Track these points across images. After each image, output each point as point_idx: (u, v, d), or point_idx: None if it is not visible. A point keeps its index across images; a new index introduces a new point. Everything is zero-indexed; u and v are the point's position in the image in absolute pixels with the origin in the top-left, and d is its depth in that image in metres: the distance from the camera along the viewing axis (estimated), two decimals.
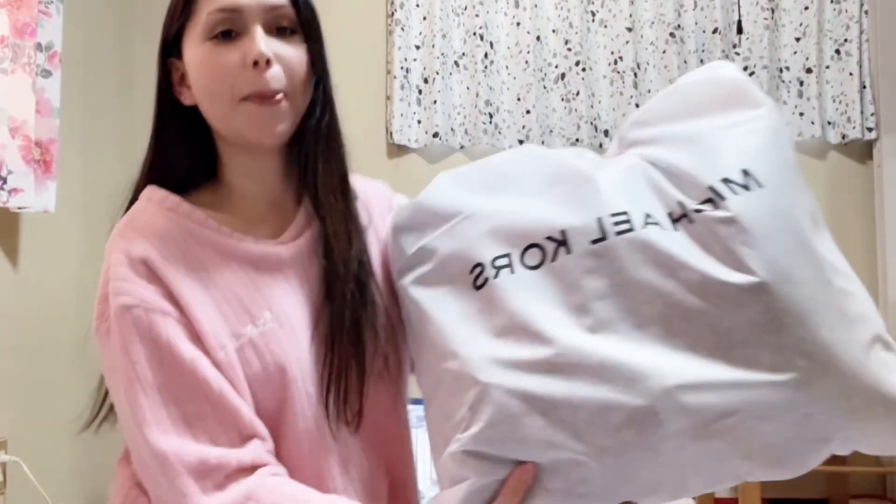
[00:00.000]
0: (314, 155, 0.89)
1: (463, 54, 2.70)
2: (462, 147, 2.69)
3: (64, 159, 2.15)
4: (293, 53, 0.84)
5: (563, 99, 2.67)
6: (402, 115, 2.67)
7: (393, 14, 2.70)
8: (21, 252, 2.00)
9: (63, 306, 2.15)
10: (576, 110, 2.66)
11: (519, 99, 2.68)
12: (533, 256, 0.78)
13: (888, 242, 2.52)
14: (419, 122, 2.68)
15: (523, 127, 2.66)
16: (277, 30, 0.83)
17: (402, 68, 2.68)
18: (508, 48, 2.70)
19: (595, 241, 0.75)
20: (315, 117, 0.89)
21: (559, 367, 0.72)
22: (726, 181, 0.76)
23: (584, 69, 2.67)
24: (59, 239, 2.14)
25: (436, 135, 2.67)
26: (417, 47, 2.70)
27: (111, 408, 0.85)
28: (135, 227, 0.81)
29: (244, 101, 0.81)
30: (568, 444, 0.70)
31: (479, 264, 0.80)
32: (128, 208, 0.86)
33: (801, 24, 2.61)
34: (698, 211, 0.75)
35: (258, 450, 0.77)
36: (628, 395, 0.70)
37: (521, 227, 0.80)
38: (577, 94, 2.66)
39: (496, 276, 0.78)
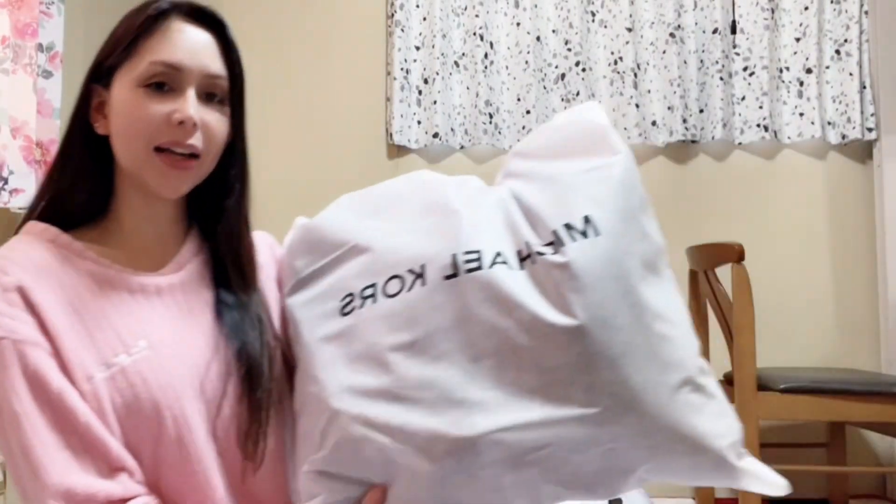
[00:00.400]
0: (230, 236, 0.93)
1: (463, 54, 2.70)
2: (462, 147, 2.70)
3: None
4: (217, 123, 0.87)
5: (563, 99, 2.67)
6: (402, 115, 2.68)
7: (393, 15, 2.70)
8: None
9: None
10: None
11: (519, 99, 2.68)
12: (393, 286, 0.85)
13: (888, 242, 2.52)
14: (419, 122, 2.69)
15: (523, 127, 2.67)
16: (207, 95, 0.87)
17: (402, 69, 2.68)
18: (508, 48, 2.70)
19: (447, 277, 0.82)
20: (234, 197, 0.93)
21: (398, 396, 0.79)
22: (568, 227, 0.83)
23: (584, 69, 2.67)
24: None
25: (436, 135, 2.67)
26: (417, 48, 2.71)
27: None
28: (10, 258, 0.82)
29: (158, 151, 0.84)
30: (403, 468, 0.78)
31: (350, 294, 0.88)
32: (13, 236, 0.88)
33: (801, 24, 2.61)
34: (540, 253, 0.82)
35: (127, 482, 0.77)
36: (454, 427, 0.76)
37: (390, 258, 0.87)
38: (577, 94, 2.66)
39: (362, 305, 0.86)
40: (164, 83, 0.84)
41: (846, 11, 2.59)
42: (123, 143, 0.86)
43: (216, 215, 0.93)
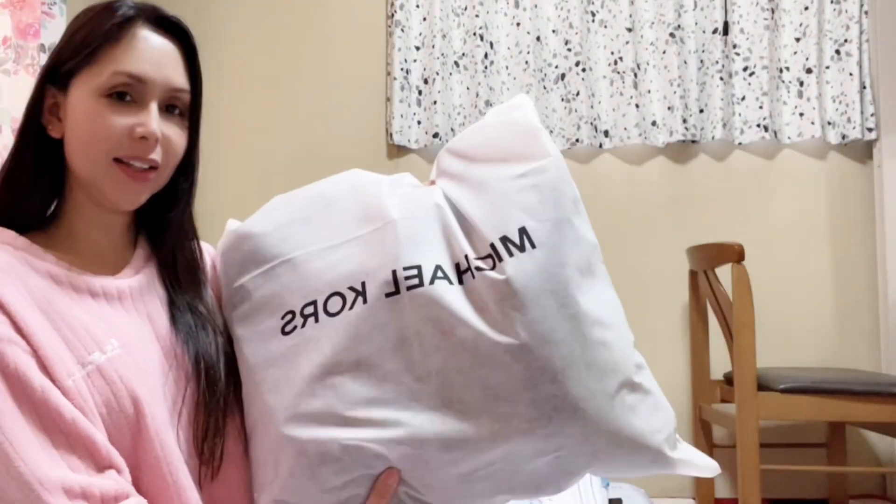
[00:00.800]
0: (178, 245, 0.94)
1: (463, 54, 2.70)
2: None
3: None
4: (177, 136, 0.87)
5: (563, 99, 2.68)
6: (402, 115, 2.68)
7: (393, 15, 2.70)
8: None
9: None
10: (576, 110, 2.66)
11: None
12: (334, 304, 0.84)
13: (888, 242, 2.52)
14: (419, 122, 2.69)
15: None
16: (167, 107, 0.87)
17: (402, 69, 2.69)
18: (508, 48, 2.70)
19: (388, 295, 0.82)
20: (181, 206, 0.93)
21: (346, 418, 0.80)
22: (504, 240, 0.83)
23: (584, 69, 2.67)
24: None
25: (436, 135, 2.67)
26: (417, 48, 2.71)
27: None
28: None
29: (117, 162, 0.83)
30: (356, 487, 0.80)
31: (290, 311, 0.86)
32: None
33: (801, 24, 2.62)
34: (479, 269, 0.82)
35: (119, 480, 0.76)
36: (396, 448, 0.79)
37: (329, 274, 0.86)
38: (577, 94, 2.66)
39: (303, 324, 0.85)
40: (126, 93, 0.83)
41: (846, 11, 2.59)
42: (81, 151, 0.84)
43: (164, 224, 0.94)
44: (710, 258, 2.21)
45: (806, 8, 2.61)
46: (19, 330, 0.77)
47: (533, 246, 0.82)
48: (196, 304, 0.92)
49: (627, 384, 0.84)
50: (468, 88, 2.70)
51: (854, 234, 2.62)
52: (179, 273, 0.93)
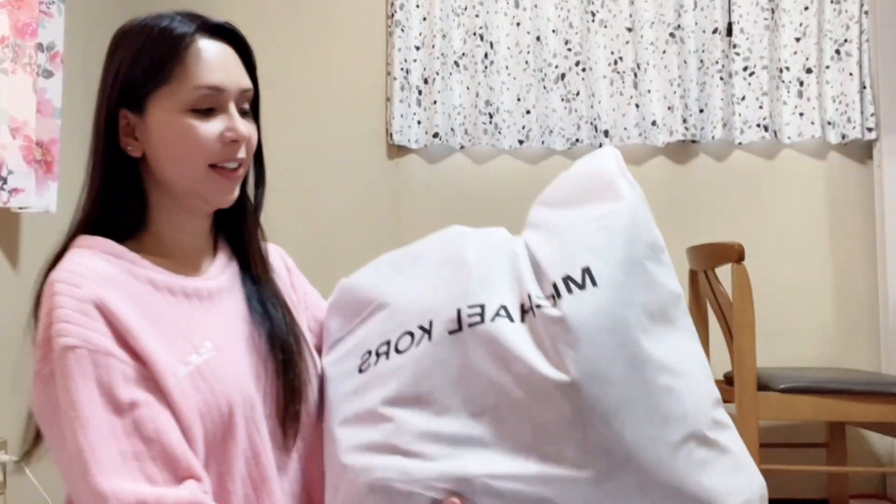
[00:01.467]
0: (254, 242, 1.01)
1: (463, 54, 2.70)
2: (462, 147, 2.70)
3: (65, 159, 2.15)
4: (252, 132, 0.94)
5: (563, 99, 2.67)
6: (402, 115, 2.68)
7: (393, 15, 2.70)
8: (21, 252, 2.00)
9: None
10: (576, 110, 2.66)
11: (519, 99, 2.68)
12: (404, 342, 0.89)
13: (888, 242, 2.52)
14: (419, 122, 2.69)
15: (523, 127, 2.67)
16: (240, 110, 0.93)
17: (402, 69, 2.68)
18: (508, 48, 2.70)
19: (451, 332, 0.85)
20: (255, 194, 1.00)
21: (401, 449, 0.82)
22: (567, 279, 0.84)
23: (584, 69, 2.67)
24: (59, 239, 2.14)
25: (436, 135, 2.67)
26: (417, 48, 2.70)
27: (36, 441, 0.89)
28: (76, 272, 0.83)
29: (212, 168, 0.90)
30: None
31: (367, 351, 0.92)
32: (57, 250, 0.90)
33: (801, 24, 2.61)
34: (539, 306, 0.84)
35: (195, 490, 0.78)
36: (447, 481, 0.79)
37: (404, 315, 0.91)
38: (577, 94, 2.66)
39: (376, 362, 0.90)
40: (210, 107, 0.89)
41: (846, 11, 2.59)
42: (174, 164, 0.89)
43: (239, 225, 1.00)
44: (710, 258, 2.21)
45: (806, 8, 2.61)
46: (124, 336, 0.81)
47: (595, 284, 0.82)
48: (269, 293, 0.98)
49: (698, 437, 0.80)
50: (468, 88, 2.69)
51: (854, 234, 2.62)
52: (256, 268, 0.99)
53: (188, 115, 0.88)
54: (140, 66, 0.88)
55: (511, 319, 0.84)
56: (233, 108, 0.90)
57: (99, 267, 0.84)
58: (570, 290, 0.83)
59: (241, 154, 0.91)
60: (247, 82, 0.93)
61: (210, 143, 0.88)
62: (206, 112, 0.89)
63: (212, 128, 0.88)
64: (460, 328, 0.85)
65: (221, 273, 0.96)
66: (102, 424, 0.77)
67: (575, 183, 0.97)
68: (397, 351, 0.89)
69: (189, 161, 0.88)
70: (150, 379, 0.81)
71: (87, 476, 0.75)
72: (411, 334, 0.89)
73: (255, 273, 0.99)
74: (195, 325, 0.88)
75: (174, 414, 0.81)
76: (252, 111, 0.95)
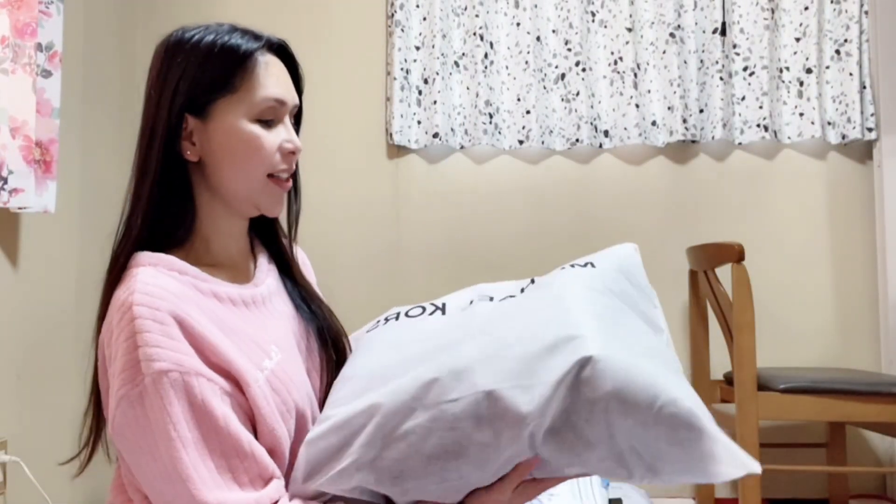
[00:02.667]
0: (284, 245, 1.07)
1: (463, 54, 2.70)
2: (462, 147, 2.69)
3: (64, 159, 2.15)
4: (300, 144, 0.99)
5: (563, 99, 2.67)
6: (401, 115, 2.67)
7: (393, 15, 2.70)
8: (21, 252, 2.00)
9: (63, 306, 2.15)
10: (576, 110, 2.66)
11: (519, 99, 2.68)
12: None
13: (888, 242, 2.52)
14: (419, 122, 2.68)
15: (523, 127, 2.67)
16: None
17: (401, 69, 2.68)
18: (508, 48, 2.70)
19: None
20: (294, 202, 1.05)
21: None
22: (571, 264, 0.98)
23: (584, 69, 2.67)
24: (59, 239, 2.14)
25: (436, 135, 2.66)
26: (417, 48, 2.70)
27: (93, 448, 0.93)
28: (152, 294, 0.84)
29: (269, 178, 0.95)
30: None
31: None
32: (113, 266, 0.91)
33: (801, 24, 2.61)
34: (532, 281, 0.97)
35: (279, 489, 0.85)
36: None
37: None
38: (577, 94, 2.66)
39: None
40: (271, 117, 0.94)
41: (846, 11, 2.59)
42: (234, 170, 0.93)
43: (271, 228, 1.06)
44: (710, 258, 2.21)
45: (806, 8, 2.61)
46: (206, 353, 0.84)
47: (594, 267, 0.97)
48: (308, 291, 1.05)
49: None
50: (468, 88, 2.69)
51: (854, 234, 2.62)
52: (290, 269, 1.05)
53: (253, 123, 0.93)
54: (208, 74, 0.91)
55: (490, 300, 0.96)
56: (288, 120, 0.96)
57: (171, 286, 0.85)
58: (572, 267, 0.95)
59: (294, 165, 0.98)
60: (297, 98, 0.99)
61: (271, 152, 0.93)
62: (267, 123, 0.94)
63: (273, 138, 0.94)
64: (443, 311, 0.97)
65: (267, 277, 1.01)
66: (200, 443, 0.81)
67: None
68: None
69: (250, 169, 0.93)
70: (236, 391, 0.85)
71: (192, 492, 0.79)
72: (422, 307, 1.01)
73: (293, 274, 1.05)
74: (260, 331, 0.92)
75: (260, 419, 0.85)
76: (298, 126, 1.02)
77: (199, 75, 0.91)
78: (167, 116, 0.91)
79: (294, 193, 1.03)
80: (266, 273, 1.01)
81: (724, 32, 2.62)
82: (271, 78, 0.94)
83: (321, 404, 0.96)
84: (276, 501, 0.84)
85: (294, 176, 1.02)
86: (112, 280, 0.89)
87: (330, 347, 1.00)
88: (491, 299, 0.96)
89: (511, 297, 0.95)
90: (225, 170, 0.93)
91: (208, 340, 0.84)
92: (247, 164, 0.92)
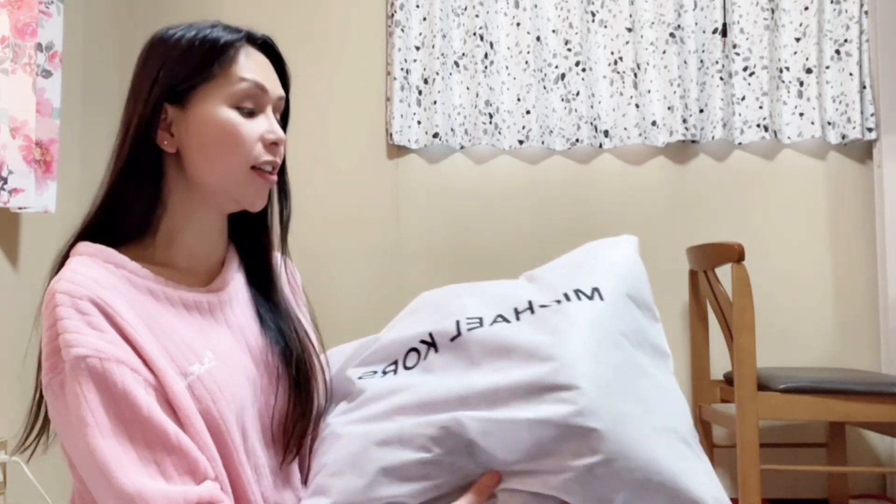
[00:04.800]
0: (264, 251, 1.01)
1: (463, 55, 2.70)
2: (462, 147, 2.69)
3: (64, 159, 2.15)
4: (285, 139, 0.95)
5: (563, 99, 2.67)
6: (401, 115, 2.67)
7: (393, 15, 2.70)
8: (21, 252, 2.00)
9: None
10: (576, 110, 2.66)
11: (519, 99, 2.68)
12: (412, 358, 0.95)
13: (888, 242, 2.52)
14: (419, 122, 2.68)
15: (523, 127, 2.67)
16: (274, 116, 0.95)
17: (401, 69, 2.68)
18: (508, 48, 2.70)
19: (452, 339, 0.92)
20: (282, 206, 1.00)
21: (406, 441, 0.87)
22: (577, 291, 0.94)
23: (584, 69, 2.67)
24: (59, 239, 2.13)
25: (436, 135, 2.66)
26: (417, 48, 2.70)
27: (41, 433, 0.90)
28: (76, 281, 0.82)
29: (252, 170, 0.91)
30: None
31: (373, 371, 0.97)
32: (60, 256, 0.90)
33: (801, 25, 2.61)
34: (543, 306, 0.92)
35: (214, 489, 0.80)
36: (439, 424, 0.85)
37: (406, 338, 0.97)
38: (577, 94, 2.66)
39: (382, 377, 0.95)
40: (250, 106, 0.91)
41: (846, 11, 2.59)
42: (214, 160, 0.90)
43: (253, 231, 1.01)
44: (710, 258, 2.21)
45: (806, 8, 2.61)
46: (130, 344, 0.81)
47: (602, 299, 0.92)
48: (278, 304, 0.99)
49: (678, 433, 0.86)
50: (468, 88, 2.69)
51: (854, 234, 2.62)
52: (265, 277, 1.00)
53: (232, 110, 0.89)
54: (188, 63, 0.89)
55: (507, 321, 0.92)
56: (271, 112, 0.93)
57: (100, 277, 0.83)
58: (579, 298, 0.91)
59: (278, 157, 0.93)
60: (281, 91, 0.96)
61: (252, 141, 0.90)
62: (249, 112, 0.91)
63: (254, 126, 0.90)
64: (459, 334, 0.92)
65: (227, 284, 0.96)
66: (120, 430, 0.77)
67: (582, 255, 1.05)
68: (406, 367, 0.93)
69: (230, 159, 0.89)
70: (158, 385, 0.81)
71: (111, 480, 0.75)
72: (416, 350, 0.94)
73: (268, 286, 0.99)
74: (197, 335, 0.88)
75: (181, 421, 0.81)
76: (285, 121, 0.99)
77: (178, 66, 0.89)
78: (143, 106, 0.89)
79: (283, 197, 0.99)
80: (228, 280, 0.96)
81: (724, 33, 2.62)
82: (251, 64, 0.91)
83: (272, 423, 0.91)
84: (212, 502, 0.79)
85: (282, 177, 0.98)
86: (54, 269, 0.88)
87: (292, 366, 0.93)
88: (480, 322, 0.92)
89: (504, 320, 0.92)
90: (203, 161, 0.90)
91: (130, 334, 0.81)
92: (226, 154, 0.89)
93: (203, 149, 0.89)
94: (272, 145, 0.92)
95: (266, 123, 0.92)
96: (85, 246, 0.88)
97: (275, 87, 0.94)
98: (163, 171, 0.91)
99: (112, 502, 0.76)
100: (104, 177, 0.92)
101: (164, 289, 0.88)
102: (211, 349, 0.87)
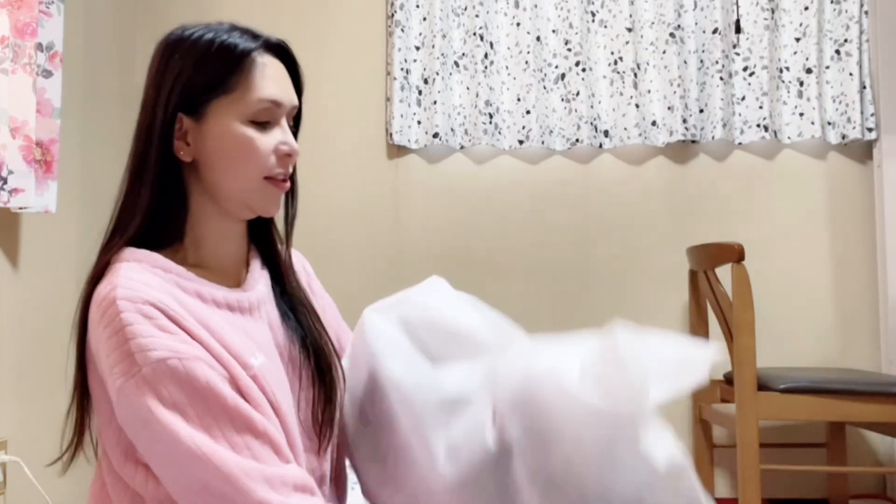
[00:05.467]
0: (279, 251, 1.05)
1: (463, 55, 2.70)
2: (462, 147, 2.69)
3: (64, 159, 2.15)
4: (297, 147, 0.97)
5: (563, 99, 2.67)
6: (401, 115, 2.67)
7: (393, 15, 2.70)
8: (21, 252, 2.00)
9: (63, 306, 2.15)
10: (576, 110, 2.66)
11: (519, 99, 2.68)
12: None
13: (888, 242, 2.52)
14: (419, 122, 2.68)
15: (523, 127, 2.67)
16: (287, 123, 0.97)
17: (401, 69, 2.68)
18: (508, 48, 2.70)
19: None
20: (289, 205, 1.02)
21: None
22: None
23: (584, 69, 2.67)
24: (59, 239, 2.14)
25: (436, 135, 2.66)
26: (417, 48, 2.70)
27: (77, 443, 0.94)
28: (132, 287, 0.83)
29: (266, 180, 0.93)
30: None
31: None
32: (98, 263, 0.91)
33: (801, 24, 2.61)
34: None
35: (302, 472, 0.84)
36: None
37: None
38: (577, 94, 2.66)
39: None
40: (266, 118, 0.93)
41: (846, 11, 2.59)
42: (228, 171, 0.92)
43: (268, 233, 1.04)
44: (710, 258, 2.21)
45: (806, 8, 2.61)
46: (197, 342, 0.83)
47: None
48: (298, 301, 1.01)
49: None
50: (468, 88, 2.69)
51: (854, 234, 2.62)
52: (283, 275, 1.02)
53: (247, 125, 0.91)
54: (204, 74, 0.90)
55: None
56: (285, 122, 0.94)
57: (151, 281, 0.85)
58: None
59: (291, 168, 0.96)
60: (296, 100, 0.97)
61: (266, 154, 0.92)
62: (263, 125, 0.92)
63: (268, 140, 0.92)
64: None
65: (257, 283, 0.98)
66: (211, 423, 0.80)
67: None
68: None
69: (244, 171, 0.91)
70: (231, 378, 0.84)
71: (211, 464, 0.78)
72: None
73: (284, 281, 1.02)
74: (244, 335, 0.90)
75: (257, 407, 0.85)
76: (297, 129, 1.00)
77: (194, 75, 0.90)
78: (163, 116, 0.90)
79: (291, 197, 1.01)
80: (257, 279, 0.99)
81: (738, 30, 2.61)
82: (268, 79, 0.92)
83: (299, 411, 0.94)
84: (305, 487, 0.83)
85: (291, 178, 1.00)
86: (95, 276, 0.88)
87: (312, 360, 0.97)
88: None
89: None
90: (219, 171, 0.92)
91: (194, 332, 0.83)
92: (240, 167, 0.91)
93: (218, 161, 0.92)
94: (285, 157, 0.94)
95: (280, 135, 0.93)
96: (130, 252, 0.89)
97: (290, 98, 0.95)
98: (183, 178, 0.93)
99: (216, 485, 0.78)
100: (125, 185, 0.93)
101: (210, 290, 0.91)
102: (258, 347, 0.91)
